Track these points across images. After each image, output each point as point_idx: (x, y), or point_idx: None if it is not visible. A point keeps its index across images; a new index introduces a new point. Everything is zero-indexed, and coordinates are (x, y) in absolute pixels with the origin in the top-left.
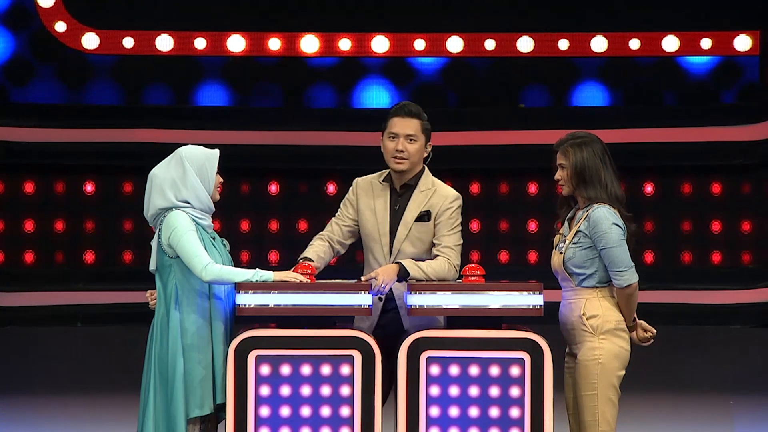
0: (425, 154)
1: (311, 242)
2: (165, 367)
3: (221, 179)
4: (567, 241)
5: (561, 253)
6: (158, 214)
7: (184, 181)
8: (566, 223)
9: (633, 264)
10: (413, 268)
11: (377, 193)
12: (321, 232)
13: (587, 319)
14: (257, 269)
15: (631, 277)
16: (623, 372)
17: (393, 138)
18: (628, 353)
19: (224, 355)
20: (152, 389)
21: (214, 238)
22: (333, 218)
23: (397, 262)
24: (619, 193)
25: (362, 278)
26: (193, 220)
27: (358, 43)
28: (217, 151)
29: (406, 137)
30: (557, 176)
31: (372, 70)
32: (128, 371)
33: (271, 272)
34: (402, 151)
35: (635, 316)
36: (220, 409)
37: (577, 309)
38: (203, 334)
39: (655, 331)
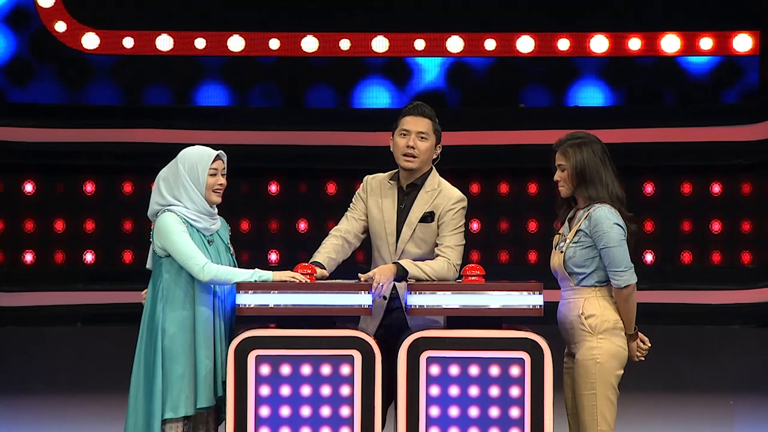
0: (434, 155)
1: (324, 240)
2: (147, 367)
3: (221, 181)
4: (568, 240)
5: (561, 252)
6: (156, 212)
7: (176, 181)
8: (566, 223)
9: (632, 265)
10: (412, 268)
11: (385, 192)
12: (336, 227)
13: (585, 319)
14: (256, 269)
15: (630, 277)
16: (622, 371)
17: (404, 135)
18: (627, 352)
19: (215, 357)
20: (134, 388)
21: (211, 242)
22: (347, 212)
23: (395, 263)
24: (619, 193)
25: (361, 276)
26: (186, 221)
27: (358, 43)
28: (213, 153)
29: (417, 134)
30: (556, 177)
31: (372, 70)
32: (128, 371)
33: (270, 272)
34: (413, 148)
35: (636, 326)
36: (220, 410)
37: (575, 308)
38: (184, 336)
39: (650, 345)
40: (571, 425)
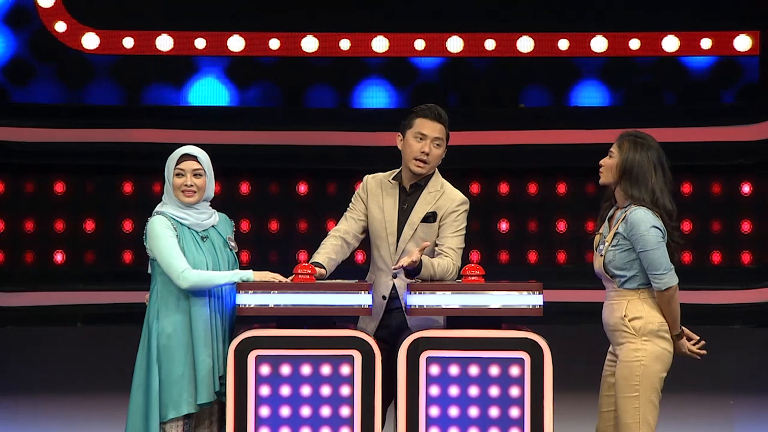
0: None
1: (324, 241)
2: (146, 367)
3: (187, 182)
4: (606, 243)
5: (601, 255)
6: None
7: (165, 181)
8: (606, 223)
9: (672, 266)
10: (426, 266)
11: (387, 191)
12: (335, 227)
13: (629, 321)
14: (236, 270)
15: (670, 279)
16: (665, 374)
17: (421, 139)
18: (671, 355)
19: (213, 355)
20: (134, 389)
21: (204, 238)
22: (347, 212)
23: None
24: (667, 205)
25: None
26: (175, 219)
27: (358, 43)
28: (180, 152)
29: (433, 140)
30: (601, 162)
31: (372, 70)
32: (127, 372)
33: (251, 271)
34: (427, 154)
35: (681, 326)
36: (220, 407)
37: (618, 310)
38: (181, 335)
39: (703, 341)
40: (600, 425)
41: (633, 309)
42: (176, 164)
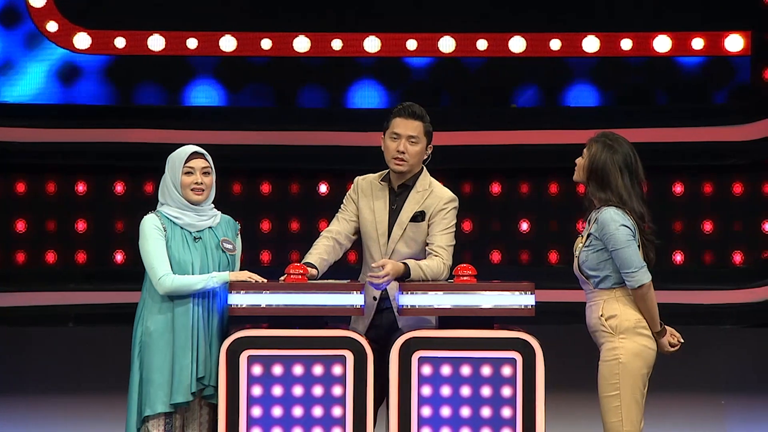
0: (425, 156)
1: (316, 242)
2: (131, 364)
3: (197, 180)
4: (580, 245)
5: (576, 256)
6: None
7: (163, 181)
8: (587, 225)
9: (644, 264)
10: (416, 269)
11: (376, 193)
12: (327, 228)
13: (606, 320)
14: (212, 273)
15: (641, 277)
16: (647, 371)
17: (395, 138)
18: (652, 351)
19: (192, 355)
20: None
21: (197, 238)
22: (338, 213)
23: (403, 262)
24: (636, 208)
25: (372, 265)
26: (169, 219)
27: (350, 43)
28: (189, 151)
29: (407, 138)
30: (576, 160)
31: (364, 71)
32: (119, 371)
33: (227, 273)
34: (403, 152)
35: (662, 322)
36: (211, 406)
37: (596, 311)
38: (162, 334)
39: (680, 337)
40: None
41: (609, 308)
42: (185, 162)
